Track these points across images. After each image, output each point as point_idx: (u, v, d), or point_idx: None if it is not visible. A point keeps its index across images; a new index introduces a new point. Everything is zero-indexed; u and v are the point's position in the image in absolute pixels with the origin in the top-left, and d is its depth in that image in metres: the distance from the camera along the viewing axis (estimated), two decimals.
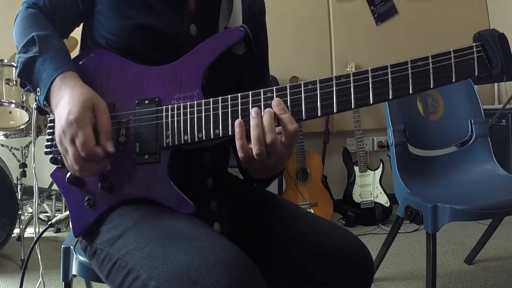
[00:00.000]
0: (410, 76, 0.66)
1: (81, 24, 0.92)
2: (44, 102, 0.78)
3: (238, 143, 0.69)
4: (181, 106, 0.75)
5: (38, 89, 0.78)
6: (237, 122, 0.70)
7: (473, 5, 3.42)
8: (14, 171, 2.56)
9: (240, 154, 0.70)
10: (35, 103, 0.82)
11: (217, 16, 0.88)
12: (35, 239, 1.00)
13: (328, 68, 3.24)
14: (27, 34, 0.80)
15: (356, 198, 2.81)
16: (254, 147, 0.68)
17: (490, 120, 2.62)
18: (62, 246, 1.01)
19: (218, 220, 0.86)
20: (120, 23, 0.82)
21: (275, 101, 0.69)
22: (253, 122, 0.68)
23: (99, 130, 0.71)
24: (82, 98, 0.72)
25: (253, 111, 0.69)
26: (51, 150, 0.82)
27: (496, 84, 3.29)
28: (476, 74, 0.65)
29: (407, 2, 3.30)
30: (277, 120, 0.69)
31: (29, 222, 2.55)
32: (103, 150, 0.70)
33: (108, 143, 0.71)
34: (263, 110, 0.70)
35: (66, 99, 0.72)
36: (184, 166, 0.82)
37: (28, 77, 0.80)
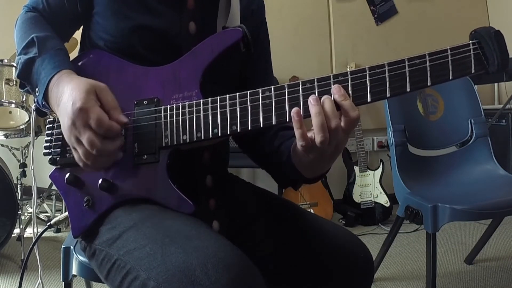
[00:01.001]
0: (407, 74, 0.66)
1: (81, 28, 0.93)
2: (43, 102, 0.78)
3: (298, 132, 0.68)
4: (180, 106, 0.75)
5: (37, 89, 0.79)
6: (294, 111, 0.67)
7: (473, 5, 3.42)
8: (14, 171, 2.56)
9: (301, 143, 0.69)
10: (34, 104, 0.83)
11: (215, 14, 0.88)
12: (34, 240, 1.00)
13: (328, 68, 3.24)
14: (27, 36, 0.81)
15: (356, 198, 2.81)
16: (317, 135, 0.67)
17: (490, 120, 2.61)
18: (62, 246, 1.01)
19: (217, 218, 0.86)
20: (119, 24, 0.82)
21: (335, 88, 0.67)
22: (314, 109, 0.67)
23: (107, 108, 0.72)
24: (82, 86, 0.72)
25: (311, 99, 0.67)
26: (50, 151, 0.82)
27: (496, 84, 3.29)
28: (473, 71, 0.65)
29: (407, 2, 3.30)
30: (336, 106, 0.67)
31: (29, 222, 2.55)
32: (118, 123, 0.71)
33: (121, 115, 0.72)
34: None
35: (67, 94, 0.72)
36: (183, 164, 0.82)
37: (27, 77, 0.81)
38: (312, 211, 2.54)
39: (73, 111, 0.70)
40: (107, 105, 0.72)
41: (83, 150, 0.71)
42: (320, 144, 0.67)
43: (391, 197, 2.52)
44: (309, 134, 0.69)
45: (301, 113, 0.68)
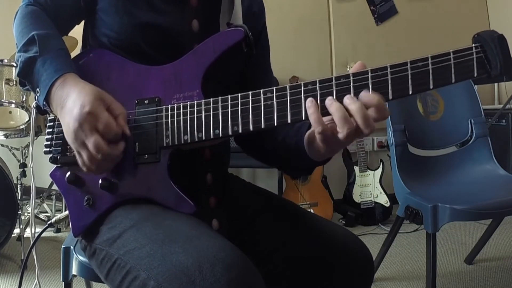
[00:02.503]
0: (409, 76, 0.65)
1: (82, 23, 0.92)
2: (44, 103, 0.78)
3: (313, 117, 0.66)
4: (181, 106, 0.75)
5: (37, 89, 0.78)
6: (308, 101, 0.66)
7: (473, 5, 3.42)
8: (14, 171, 2.56)
9: (317, 129, 0.67)
10: (35, 102, 0.82)
11: (218, 12, 0.88)
12: (33, 239, 1.00)
13: (328, 68, 3.24)
14: (27, 32, 0.80)
15: (356, 198, 2.81)
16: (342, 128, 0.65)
17: (490, 120, 2.62)
18: (62, 246, 1.01)
19: (216, 216, 0.86)
20: (122, 21, 0.82)
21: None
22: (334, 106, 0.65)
23: (116, 113, 0.73)
24: (89, 90, 0.73)
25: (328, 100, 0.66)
26: (51, 149, 0.82)
27: (496, 84, 3.30)
28: (475, 75, 0.64)
29: (407, 2, 3.30)
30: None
31: (29, 222, 2.55)
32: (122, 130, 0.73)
33: (126, 125, 0.74)
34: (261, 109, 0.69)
35: (73, 96, 0.73)
36: (184, 162, 0.82)
37: (27, 76, 0.80)
38: (312, 211, 2.54)
39: (81, 114, 0.70)
40: (116, 110, 0.74)
41: (88, 154, 0.72)
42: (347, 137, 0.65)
43: (391, 197, 2.52)
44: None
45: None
